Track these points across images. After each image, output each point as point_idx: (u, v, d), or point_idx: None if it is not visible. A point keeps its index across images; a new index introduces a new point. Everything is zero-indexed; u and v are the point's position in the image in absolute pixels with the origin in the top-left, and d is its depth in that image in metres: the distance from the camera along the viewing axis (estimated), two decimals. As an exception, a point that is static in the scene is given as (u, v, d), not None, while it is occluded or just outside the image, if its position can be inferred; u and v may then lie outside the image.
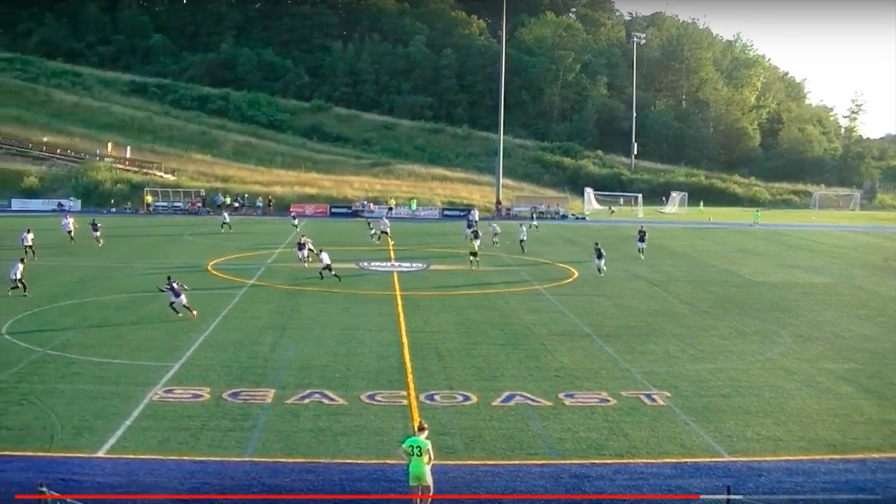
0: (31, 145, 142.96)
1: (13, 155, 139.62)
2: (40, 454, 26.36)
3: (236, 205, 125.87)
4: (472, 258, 67.66)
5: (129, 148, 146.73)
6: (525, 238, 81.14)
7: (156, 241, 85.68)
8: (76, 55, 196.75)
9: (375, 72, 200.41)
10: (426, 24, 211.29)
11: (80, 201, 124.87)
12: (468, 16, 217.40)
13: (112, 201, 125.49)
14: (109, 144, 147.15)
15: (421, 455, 22.42)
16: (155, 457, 26.15)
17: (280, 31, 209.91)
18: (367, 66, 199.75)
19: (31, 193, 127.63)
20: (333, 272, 60.26)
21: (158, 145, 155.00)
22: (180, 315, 44.93)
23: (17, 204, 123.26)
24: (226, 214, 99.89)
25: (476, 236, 73.98)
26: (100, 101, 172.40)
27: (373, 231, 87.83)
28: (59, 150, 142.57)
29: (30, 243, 68.62)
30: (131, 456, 26.27)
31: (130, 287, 56.62)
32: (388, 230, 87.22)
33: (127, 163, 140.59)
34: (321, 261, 61.42)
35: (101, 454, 26.45)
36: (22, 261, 53.35)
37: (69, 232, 79.20)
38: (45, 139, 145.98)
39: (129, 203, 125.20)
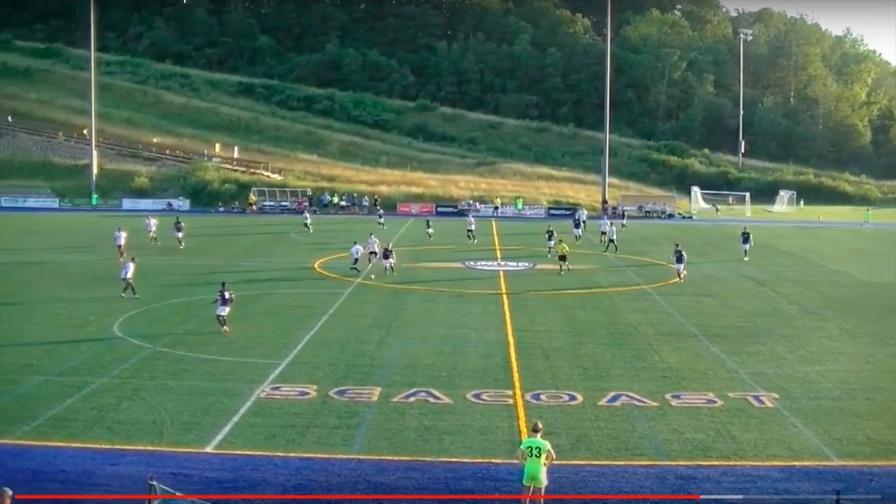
0: (141, 146, 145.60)
1: (124, 156, 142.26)
2: (150, 448, 26.81)
3: (343, 204, 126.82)
4: (561, 262, 65.62)
5: (236, 148, 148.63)
6: (615, 238, 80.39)
7: (262, 241, 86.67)
8: (185, 57, 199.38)
9: (480, 71, 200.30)
10: (530, 23, 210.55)
11: (188, 201, 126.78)
12: (572, 14, 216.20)
13: (219, 202, 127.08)
14: (217, 145, 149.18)
15: (539, 456, 22.35)
16: (262, 453, 26.44)
17: (385, 31, 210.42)
18: (471, 66, 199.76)
19: (141, 193, 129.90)
20: (355, 268, 61.78)
21: (265, 145, 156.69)
22: (225, 328, 42.87)
23: (127, 203, 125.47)
24: (307, 214, 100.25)
25: (550, 237, 74.21)
26: (208, 103, 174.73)
27: (430, 230, 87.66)
28: (168, 151, 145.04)
29: (122, 242, 69.57)
30: (239, 452, 26.60)
31: (237, 286, 57.24)
32: (473, 228, 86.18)
33: (234, 163, 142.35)
34: (351, 255, 62.68)
35: (209, 450, 26.82)
36: (133, 260, 54.03)
37: (150, 232, 79.08)
38: (154, 140, 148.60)
39: (236, 203, 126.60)
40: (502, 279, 62.18)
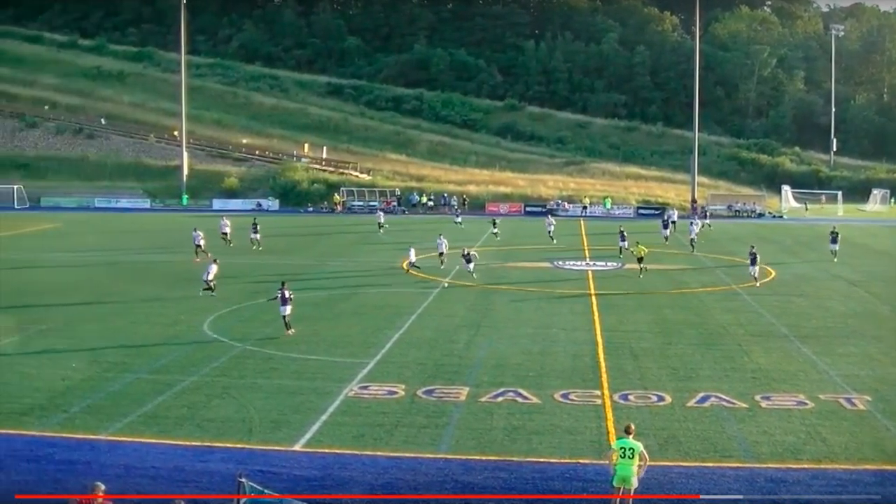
0: (231, 147, 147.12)
1: (214, 157, 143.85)
2: (239, 446, 27.15)
3: (431, 203, 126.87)
4: (639, 264, 63.41)
5: (325, 148, 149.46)
6: (694, 236, 79.40)
7: (351, 240, 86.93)
8: (274, 59, 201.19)
9: (568, 70, 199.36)
10: (618, 21, 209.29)
11: (277, 201, 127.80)
12: (661, 12, 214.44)
13: (308, 202, 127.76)
14: (306, 145, 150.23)
15: (632, 458, 22.21)
16: (350, 452, 26.59)
17: (472, 30, 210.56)
18: (559, 65, 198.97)
19: (231, 193, 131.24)
20: (417, 266, 62.83)
21: (354, 146, 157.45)
22: (289, 332, 42.11)
23: (217, 203, 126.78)
24: (381, 213, 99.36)
25: (623, 238, 72.86)
26: (297, 104, 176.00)
27: (496, 230, 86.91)
28: (257, 152, 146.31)
29: (201, 242, 69.97)
30: (327, 450, 26.80)
31: (326, 285, 57.68)
32: (553, 229, 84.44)
33: (323, 163, 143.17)
34: (408, 257, 63.21)
35: (297, 448, 27.07)
36: (216, 261, 54.42)
37: (224, 234, 78.37)
38: (244, 141, 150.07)
39: (325, 202, 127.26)
40: (591, 279, 61.88)
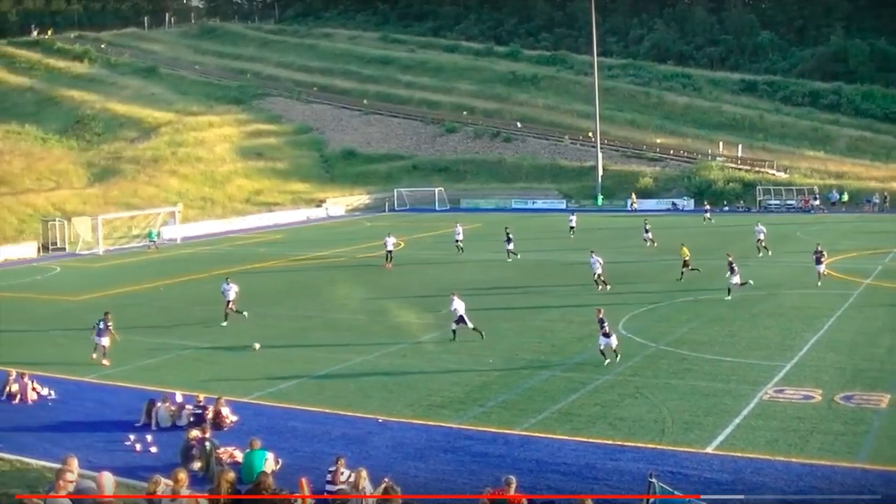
0: (645, 147, 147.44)
1: (628, 157, 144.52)
2: (650, 446, 27.31)
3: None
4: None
5: (740, 146, 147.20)
6: None
7: (768, 240, 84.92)
8: (685, 58, 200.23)
9: None
10: None
11: (692, 201, 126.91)
12: None
13: (724, 201, 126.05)
14: (721, 144, 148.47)
15: None
16: (762, 456, 26.21)
17: (893, 18, 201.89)
18: None
19: (645, 194, 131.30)
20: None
21: (770, 143, 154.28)
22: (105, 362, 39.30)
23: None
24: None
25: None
26: (710, 102, 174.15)
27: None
28: (671, 151, 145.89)
29: (391, 248, 70.70)
30: (738, 454, 26.53)
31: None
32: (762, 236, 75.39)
33: (738, 161, 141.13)
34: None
35: (709, 450, 26.95)
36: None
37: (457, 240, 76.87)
38: (658, 141, 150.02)
39: (741, 202, 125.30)
40: None
